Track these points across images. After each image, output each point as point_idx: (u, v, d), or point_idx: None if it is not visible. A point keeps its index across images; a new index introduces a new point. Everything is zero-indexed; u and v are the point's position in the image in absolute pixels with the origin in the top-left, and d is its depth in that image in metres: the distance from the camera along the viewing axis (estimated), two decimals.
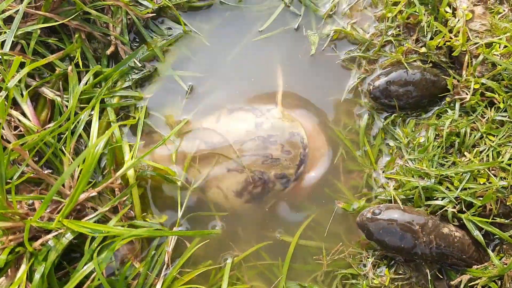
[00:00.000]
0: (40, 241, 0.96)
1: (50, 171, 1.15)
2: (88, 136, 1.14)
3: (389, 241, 1.08)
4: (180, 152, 1.19)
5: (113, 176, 1.11)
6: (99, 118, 1.19)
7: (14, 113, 1.14)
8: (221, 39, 1.36)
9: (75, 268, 0.99)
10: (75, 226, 0.96)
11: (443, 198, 1.10)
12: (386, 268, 1.12)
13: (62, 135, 1.16)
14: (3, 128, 1.08)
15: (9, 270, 0.97)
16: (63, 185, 1.09)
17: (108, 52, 1.27)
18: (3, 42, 1.14)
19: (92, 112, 1.16)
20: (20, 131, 1.14)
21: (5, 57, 1.14)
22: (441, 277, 1.11)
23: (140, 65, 1.28)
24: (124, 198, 1.13)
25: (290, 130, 1.17)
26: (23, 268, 0.95)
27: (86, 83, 1.21)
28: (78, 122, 1.15)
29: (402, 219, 1.07)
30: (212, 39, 1.36)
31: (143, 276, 1.07)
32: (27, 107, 1.14)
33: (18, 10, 1.14)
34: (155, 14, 1.33)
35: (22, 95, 1.14)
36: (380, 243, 1.10)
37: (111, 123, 1.20)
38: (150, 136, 1.25)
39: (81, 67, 1.23)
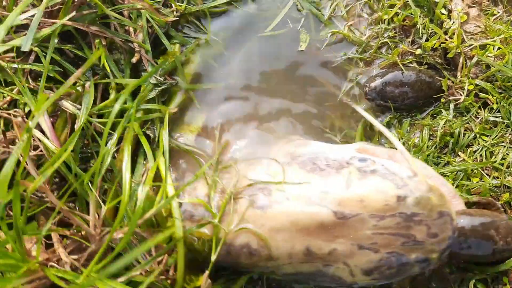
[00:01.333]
0: None
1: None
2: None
3: None
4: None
5: (141, 218, 0.92)
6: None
7: (35, 132, 1.01)
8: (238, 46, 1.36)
9: None
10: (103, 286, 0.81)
11: None
12: None
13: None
14: (26, 163, 0.94)
15: None
16: (88, 224, 0.92)
17: (134, 60, 1.17)
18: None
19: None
20: (40, 151, 1.01)
21: (20, 66, 1.05)
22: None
23: (162, 79, 1.17)
24: (165, 258, 0.94)
25: (439, 209, 0.93)
26: None
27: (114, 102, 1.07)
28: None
29: None
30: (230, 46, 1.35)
31: None
32: (45, 123, 1.01)
33: (34, 14, 1.05)
34: (177, 18, 1.28)
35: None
36: None
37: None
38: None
39: (111, 77, 1.13)
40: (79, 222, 0.89)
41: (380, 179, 0.95)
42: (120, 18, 1.14)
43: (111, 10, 1.13)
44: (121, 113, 1.08)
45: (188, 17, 1.34)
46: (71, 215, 0.88)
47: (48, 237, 0.94)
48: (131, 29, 1.19)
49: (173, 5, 1.28)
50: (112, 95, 1.12)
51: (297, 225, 0.93)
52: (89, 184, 0.94)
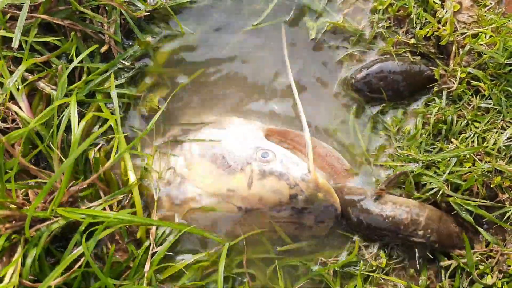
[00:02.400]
0: (34, 228, 1.01)
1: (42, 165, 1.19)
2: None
3: None
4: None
5: (102, 168, 1.13)
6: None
7: (13, 107, 1.17)
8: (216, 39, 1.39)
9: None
10: (67, 213, 1.00)
11: (430, 183, 1.15)
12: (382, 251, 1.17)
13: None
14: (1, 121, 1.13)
15: (3, 257, 1.02)
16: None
17: (102, 50, 1.30)
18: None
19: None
20: (17, 124, 1.17)
21: (3, 53, 1.18)
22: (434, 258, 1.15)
23: (128, 63, 1.31)
24: (121, 197, 1.14)
25: (325, 203, 1.13)
26: (19, 253, 0.99)
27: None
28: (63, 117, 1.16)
29: None
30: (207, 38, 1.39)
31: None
32: (22, 101, 1.17)
33: (21, 8, 1.18)
34: (148, 14, 1.35)
35: (18, 89, 1.18)
36: None
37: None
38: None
39: (74, 59, 1.24)
40: (43, 176, 1.11)
41: (276, 180, 1.13)
42: (90, 14, 1.27)
43: (87, 4, 1.27)
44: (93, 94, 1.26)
45: (162, 12, 1.38)
46: (31, 167, 1.09)
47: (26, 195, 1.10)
48: (105, 21, 1.30)
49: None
50: (83, 78, 1.25)
51: (208, 218, 1.16)
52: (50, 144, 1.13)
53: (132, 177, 1.15)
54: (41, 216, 1.00)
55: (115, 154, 1.13)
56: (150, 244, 1.11)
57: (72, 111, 1.12)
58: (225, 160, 1.17)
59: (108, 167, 1.11)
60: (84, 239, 0.97)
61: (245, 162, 1.16)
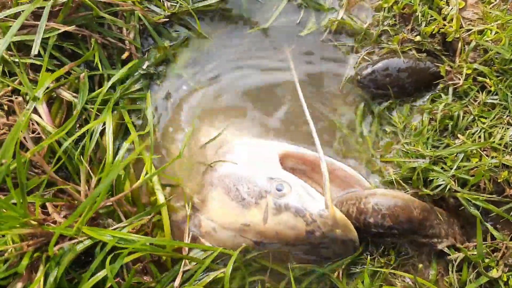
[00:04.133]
0: (58, 246, 0.98)
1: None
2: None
3: None
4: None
5: (130, 188, 1.11)
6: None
7: (33, 116, 1.14)
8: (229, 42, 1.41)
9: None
10: (94, 233, 0.97)
11: (437, 179, 1.16)
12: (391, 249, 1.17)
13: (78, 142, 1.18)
14: (25, 139, 1.10)
15: (24, 273, 0.98)
16: (79, 193, 1.10)
17: (124, 57, 1.30)
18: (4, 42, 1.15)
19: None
20: (38, 133, 1.15)
21: (21, 60, 1.17)
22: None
23: (150, 70, 1.32)
24: (149, 218, 1.12)
25: (343, 238, 1.09)
26: (41, 271, 0.97)
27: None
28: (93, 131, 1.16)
29: None
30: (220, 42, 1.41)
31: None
32: (42, 109, 1.15)
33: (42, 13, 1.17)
34: (167, 20, 1.36)
35: (38, 98, 1.15)
36: None
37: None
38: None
39: (100, 71, 1.26)
40: (73, 192, 1.07)
41: (292, 216, 1.09)
42: (113, 19, 1.26)
43: (106, 10, 1.26)
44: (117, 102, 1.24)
45: (180, 16, 1.39)
46: (60, 181, 1.06)
47: (43, 207, 1.08)
48: (124, 28, 1.30)
49: (165, 4, 1.37)
50: (105, 85, 1.25)
51: (226, 247, 1.12)
52: (81, 157, 1.10)
53: (161, 198, 1.13)
54: (65, 234, 0.97)
55: (145, 174, 1.12)
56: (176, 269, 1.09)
57: (108, 129, 1.12)
58: (238, 192, 1.14)
59: (138, 186, 1.08)
60: (108, 262, 0.95)
61: (260, 195, 1.12)
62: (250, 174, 1.16)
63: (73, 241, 0.97)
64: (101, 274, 0.97)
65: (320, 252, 1.12)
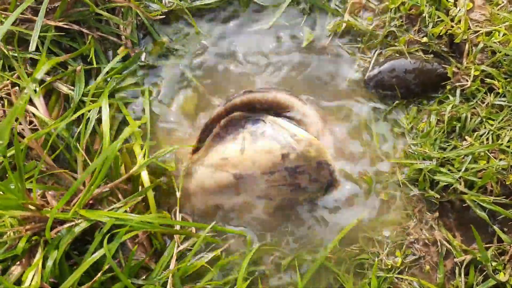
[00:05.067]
0: (55, 230, 1.01)
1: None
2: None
3: None
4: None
5: (126, 174, 1.14)
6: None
7: (30, 108, 1.18)
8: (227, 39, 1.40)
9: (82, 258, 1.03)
10: (90, 215, 1.00)
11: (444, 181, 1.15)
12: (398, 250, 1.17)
13: (74, 132, 1.21)
14: (20, 124, 1.13)
15: (23, 259, 1.02)
16: (76, 179, 1.14)
17: (119, 51, 1.32)
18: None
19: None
20: (34, 125, 1.18)
21: (20, 55, 1.20)
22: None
23: (148, 62, 1.34)
24: (139, 199, 1.15)
25: (317, 159, 1.17)
26: (39, 255, 0.99)
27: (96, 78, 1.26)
28: (88, 118, 1.19)
29: None
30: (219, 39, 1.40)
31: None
32: (39, 102, 1.18)
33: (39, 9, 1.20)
34: (164, 17, 1.37)
35: (35, 91, 1.19)
36: None
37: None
38: (170, 134, 1.30)
39: (94, 65, 1.28)
40: (68, 177, 1.13)
41: (267, 141, 1.17)
42: (107, 16, 1.29)
43: (103, 6, 1.29)
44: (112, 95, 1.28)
45: (178, 13, 1.39)
46: (55, 167, 1.12)
47: (43, 197, 1.11)
48: (122, 23, 1.33)
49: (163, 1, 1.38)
50: (99, 78, 1.28)
51: (206, 189, 1.19)
52: (77, 144, 1.15)
53: (146, 179, 1.15)
54: (61, 218, 1.00)
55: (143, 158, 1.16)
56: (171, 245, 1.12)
57: (104, 112, 1.14)
58: (219, 135, 1.24)
59: (135, 171, 1.12)
60: (106, 242, 0.97)
61: (237, 131, 1.22)
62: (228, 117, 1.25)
63: (70, 224, 1.00)
64: (100, 252, 0.99)
65: (297, 180, 1.16)
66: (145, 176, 1.14)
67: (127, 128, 1.11)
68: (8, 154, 1.03)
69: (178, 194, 1.17)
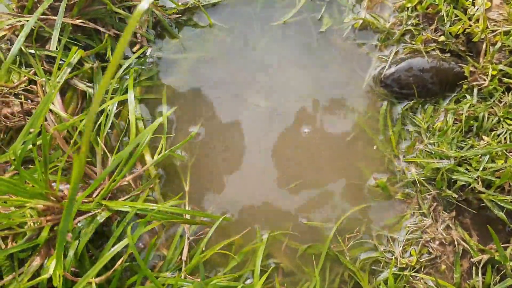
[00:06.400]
0: (76, 220, 1.02)
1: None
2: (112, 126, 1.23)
3: None
4: None
5: (143, 167, 1.18)
6: (122, 108, 1.26)
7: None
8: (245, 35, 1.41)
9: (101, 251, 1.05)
10: (113, 205, 1.02)
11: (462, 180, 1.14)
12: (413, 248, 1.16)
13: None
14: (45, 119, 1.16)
15: (42, 249, 1.02)
16: (95, 173, 1.17)
17: (135, 49, 1.34)
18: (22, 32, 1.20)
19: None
20: (52, 121, 1.19)
21: (37, 52, 1.22)
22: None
23: (163, 57, 1.36)
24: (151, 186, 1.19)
25: None
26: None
27: (113, 77, 1.27)
28: (108, 113, 1.21)
29: None
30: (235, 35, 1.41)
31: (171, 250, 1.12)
32: (56, 99, 1.20)
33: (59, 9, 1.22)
34: (180, 15, 1.39)
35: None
36: None
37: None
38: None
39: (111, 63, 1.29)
40: (89, 171, 1.13)
41: None
42: (123, 14, 1.31)
43: (119, 6, 1.32)
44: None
45: (193, 11, 1.41)
46: (87, 169, 1.12)
47: None
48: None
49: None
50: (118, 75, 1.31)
51: None
52: (97, 138, 1.16)
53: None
54: (83, 209, 1.01)
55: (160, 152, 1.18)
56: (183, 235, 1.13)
57: (131, 107, 1.18)
58: None
59: (153, 164, 1.15)
60: (129, 230, 0.98)
61: None
62: None
63: (90, 214, 1.02)
64: (124, 242, 1.00)
65: None
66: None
67: (158, 119, 1.14)
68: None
69: (186, 188, 1.19)
